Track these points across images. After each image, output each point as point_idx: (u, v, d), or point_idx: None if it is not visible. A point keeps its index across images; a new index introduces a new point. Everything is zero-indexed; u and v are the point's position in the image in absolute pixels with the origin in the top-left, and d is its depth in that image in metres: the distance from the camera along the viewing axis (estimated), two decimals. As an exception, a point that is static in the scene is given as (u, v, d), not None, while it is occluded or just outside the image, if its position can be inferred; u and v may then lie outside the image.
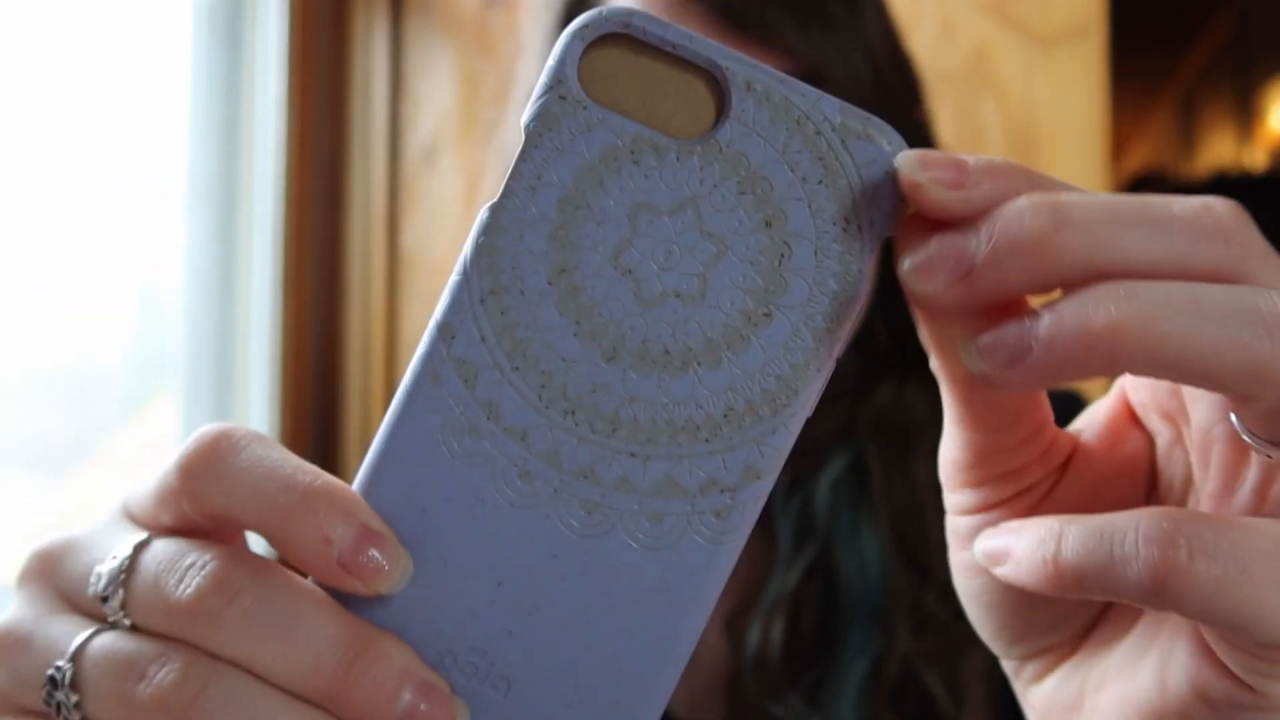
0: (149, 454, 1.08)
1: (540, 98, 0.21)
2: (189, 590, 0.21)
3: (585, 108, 0.21)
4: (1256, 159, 2.86)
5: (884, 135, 0.22)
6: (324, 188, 1.20)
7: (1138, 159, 4.13)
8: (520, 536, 0.22)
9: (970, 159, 0.21)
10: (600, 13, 0.21)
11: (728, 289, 0.22)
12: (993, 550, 0.22)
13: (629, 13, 0.21)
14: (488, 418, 0.22)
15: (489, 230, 0.21)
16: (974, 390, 0.23)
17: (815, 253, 0.22)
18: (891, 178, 0.21)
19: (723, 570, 0.22)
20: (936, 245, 0.20)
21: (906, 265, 0.21)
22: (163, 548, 0.22)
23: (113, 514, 0.26)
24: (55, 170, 0.94)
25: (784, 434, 0.22)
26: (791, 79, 0.22)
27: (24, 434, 0.95)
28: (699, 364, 0.22)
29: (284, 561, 0.22)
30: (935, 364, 0.23)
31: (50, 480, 0.99)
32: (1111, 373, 0.20)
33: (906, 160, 0.21)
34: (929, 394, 0.52)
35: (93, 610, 0.23)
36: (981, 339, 0.20)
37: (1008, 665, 0.28)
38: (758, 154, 0.22)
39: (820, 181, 0.21)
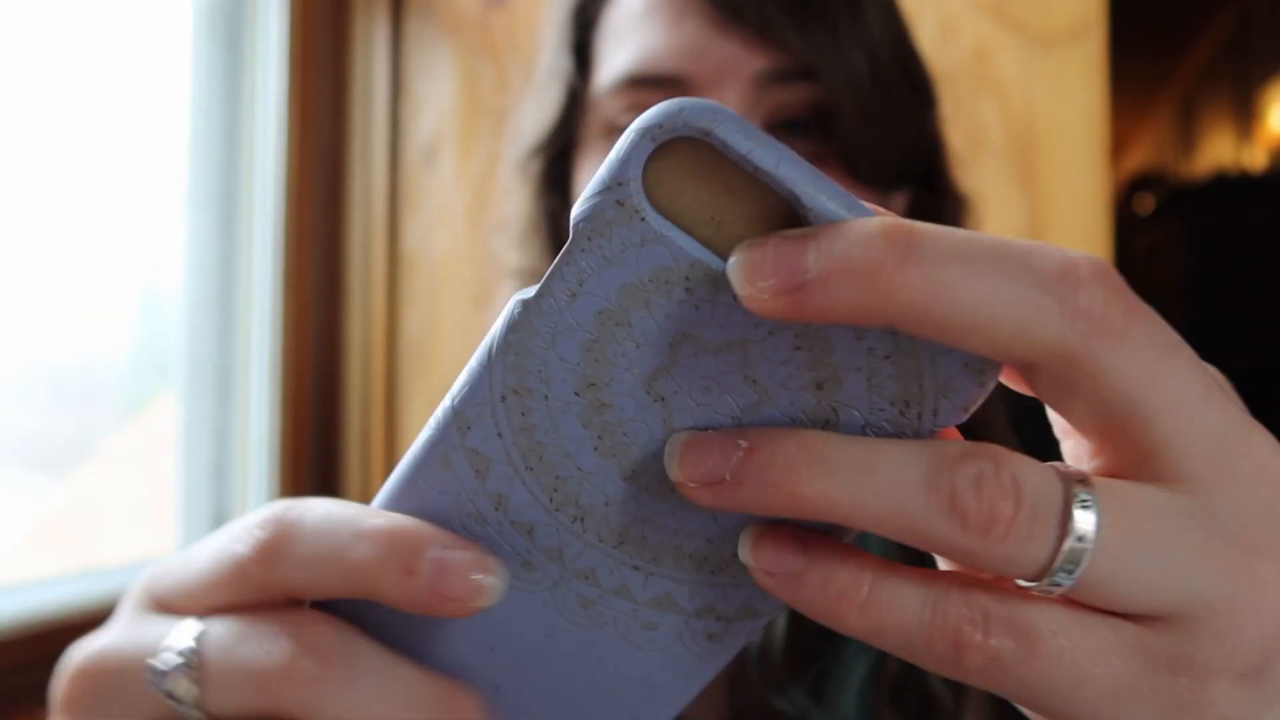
0: (149, 454, 1.08)
1: (594, 196, 0.19)
2: (275, 657, 0.20)
3: (643, 219, 0.18)
4: (1256, 159, 2.86)
5: None
6: (324, 188, 1.20)
7: (1137, 159, 4.12)
8: (516, 614, 0.22)
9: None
10: (680, 110, 0.18)
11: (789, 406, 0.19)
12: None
13: (713, 116, 0.18)
14: (495, 509, 0.21)
15: (520, 328, 0.20)
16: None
17: (864, 427, 0.19)
18: (970, 373, 0.18)
19: (706, 679, 0.22)
20: (774, 250, 0.17)
21: (736, 260, 0.18)
22: (224, 628, 0.22)
23: (136, 606, 0.24)
24: (56, 170, 0.94)
25: None
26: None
27: (24, 434, 0.95)
28: None
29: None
30: None
31: (50, 480, 0.99)
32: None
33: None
34: None
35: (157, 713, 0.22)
36: (681, 453, 0.19)
37: None
38: None
39: (887, 357, 0.18)
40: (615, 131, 0.53)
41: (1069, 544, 0.18)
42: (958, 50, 1.04)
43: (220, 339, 1.10)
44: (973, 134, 1.03)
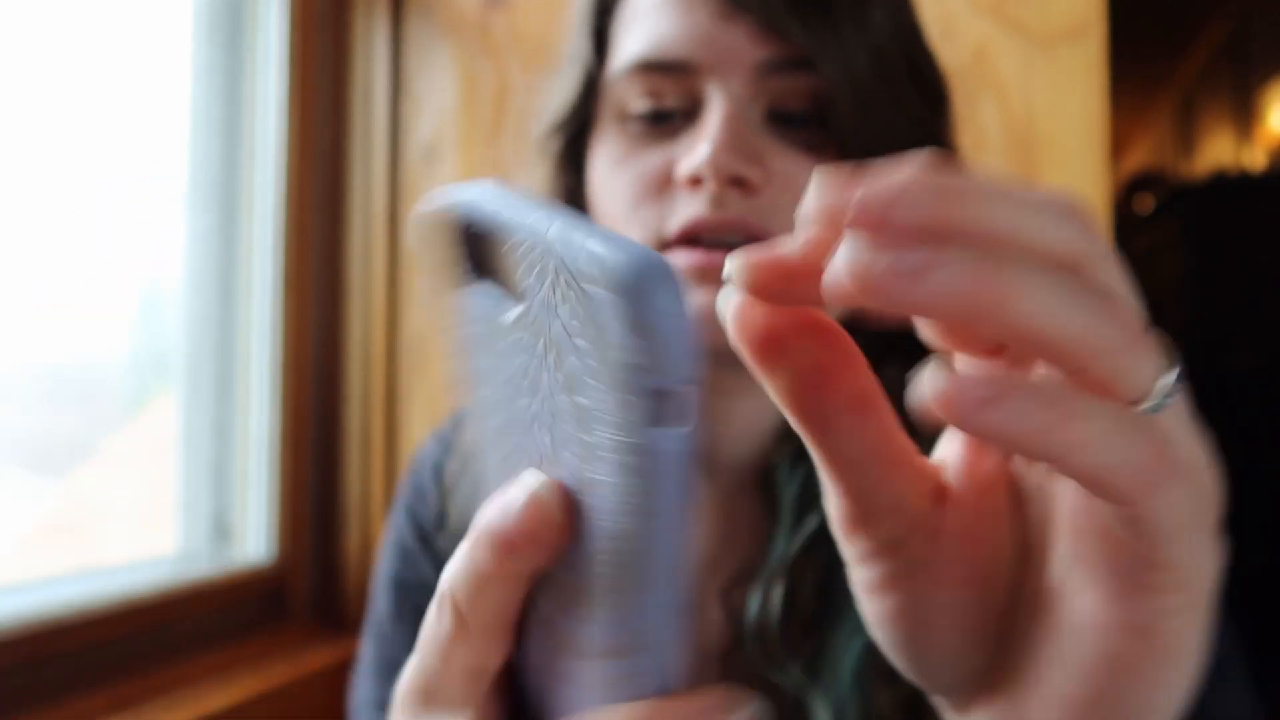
0: (149, 454, 1.08)
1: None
2: None
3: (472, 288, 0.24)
4: (1256, 159, 2.86)
5: (608, 273, 0.18)
6: (324, 188, 1.20)
7: (1137, 159, 4.13)
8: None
9: (796, 249, 0.21)
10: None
11: (565, 445, 0.21)
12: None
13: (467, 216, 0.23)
14: None
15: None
16: (829, 430, 0.24)
17: (611, 405, 0.19)
18: (630, 323, 0.18)
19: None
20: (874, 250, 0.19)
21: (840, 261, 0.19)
22: None
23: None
24: (55, 170, 0.94)
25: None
26: (560, 219, 0.20)
27: (24, 434, 0.95)
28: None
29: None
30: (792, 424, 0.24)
31: (50, 480, 0.99)
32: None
33: (724, 307, 0.23)
34: None
35: None
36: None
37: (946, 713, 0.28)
38: (541, 313, 0.21)
39: (583, 338, 0.19)
40: (627, 115, 0.54)
41: (1167, 377, 0.21)
42: (958, 50, 1.04)
43: (220, 339, 1.10)
44: (973, 134, 1.03)
